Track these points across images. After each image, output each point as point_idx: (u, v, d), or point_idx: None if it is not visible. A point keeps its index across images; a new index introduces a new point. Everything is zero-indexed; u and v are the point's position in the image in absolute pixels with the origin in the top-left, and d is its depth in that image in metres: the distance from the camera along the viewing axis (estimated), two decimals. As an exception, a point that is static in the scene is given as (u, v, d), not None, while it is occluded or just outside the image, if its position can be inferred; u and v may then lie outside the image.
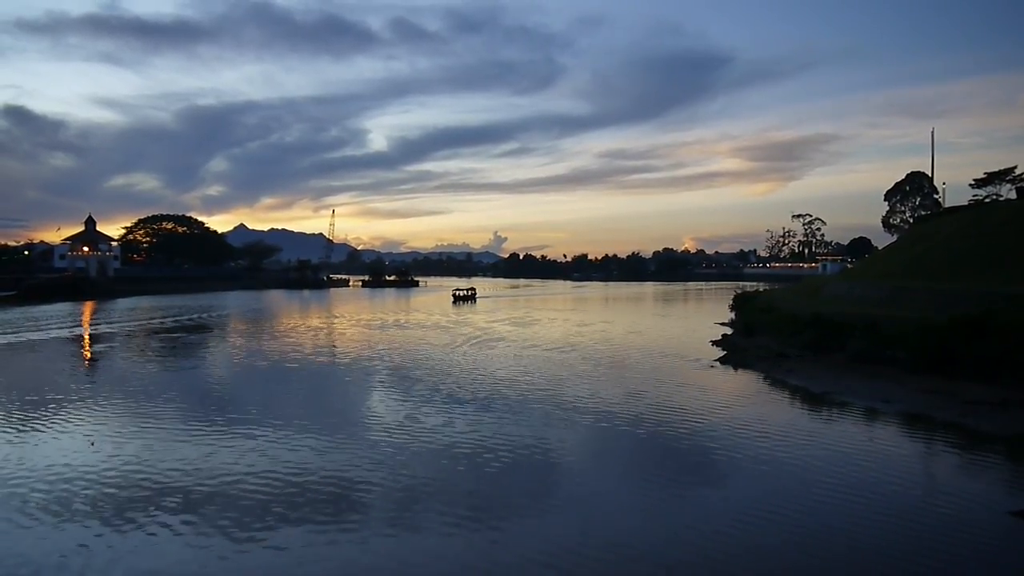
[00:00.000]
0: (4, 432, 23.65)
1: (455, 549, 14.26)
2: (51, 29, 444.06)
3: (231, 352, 47.48)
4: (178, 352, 47.57)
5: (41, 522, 15.48)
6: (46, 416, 26.09)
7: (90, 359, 44.05)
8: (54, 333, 57.94)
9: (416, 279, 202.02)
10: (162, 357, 44.96)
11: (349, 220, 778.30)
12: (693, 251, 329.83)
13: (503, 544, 14.48)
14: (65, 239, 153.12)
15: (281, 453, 21.00)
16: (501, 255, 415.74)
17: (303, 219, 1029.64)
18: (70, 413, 26.67)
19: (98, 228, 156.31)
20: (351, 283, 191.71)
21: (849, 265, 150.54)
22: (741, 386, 33.18)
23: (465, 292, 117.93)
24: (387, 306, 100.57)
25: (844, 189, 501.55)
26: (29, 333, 57.37)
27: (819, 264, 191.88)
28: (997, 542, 14.66)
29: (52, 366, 40.53)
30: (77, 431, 23.86)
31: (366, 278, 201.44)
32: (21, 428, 24.22)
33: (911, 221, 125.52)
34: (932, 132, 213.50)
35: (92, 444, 22.07)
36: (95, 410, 27.30)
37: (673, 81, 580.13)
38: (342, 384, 34.84)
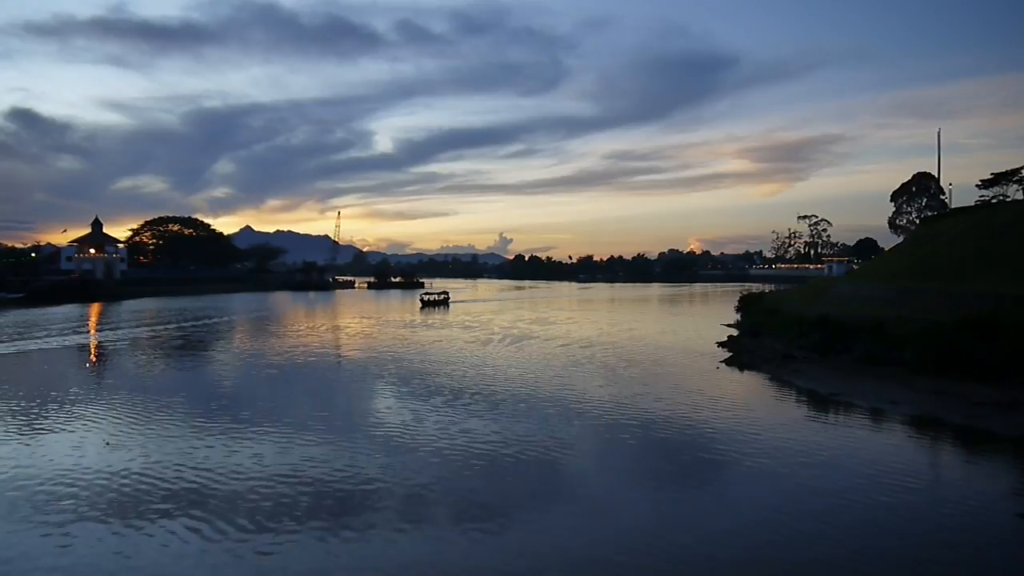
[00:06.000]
0: (23, 433, 23.93)
1: (467, 548, 14.41)
2: (58, 32, 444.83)
3: (242, 355, 47.70)
4: (189, 355, 47.83)
5: (59, 521, 15.69)
6: (63, 417, 26.39)
7: (102, 362, 44.34)
8: (64, 336, 58.29)
9: (421, 280, 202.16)
10: (173, 360, 45.21)
11: (355, 222, 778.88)
12: (699, 252, 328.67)
13: (513, 545, 14.62)
14: (72, 241, 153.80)
15: (296, 454, 21.18)
16: (507, 256, 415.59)
17: (309, 221, 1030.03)
18: (85, 414, 26.93)
19: (105, 230, 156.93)
20: (357, 285, 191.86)
21: (855, 266, 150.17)
22: (748, 388, 33.24)
23: (436, 296, 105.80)
24: (398, 307, 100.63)
25: (850, 190, 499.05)
26: (39, 336, 57.72)
27: (825, 265, 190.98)
28: (1006, 544, 14.72)
29: (66, 368, 40.83)
30: (93, 432, 24.12)
31: (372, 280, 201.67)
32: (40, 429, 24.49)
33: (917, 222, 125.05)
34: (938, 133, 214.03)
35: (107, 444, 22.34)
36: (109, 412, 27.55)
37: (679, 82, 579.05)
38: (361, 386, 34.98)
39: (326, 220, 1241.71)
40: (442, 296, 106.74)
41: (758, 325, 52.15)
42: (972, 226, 60.16)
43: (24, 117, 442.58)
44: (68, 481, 18.50)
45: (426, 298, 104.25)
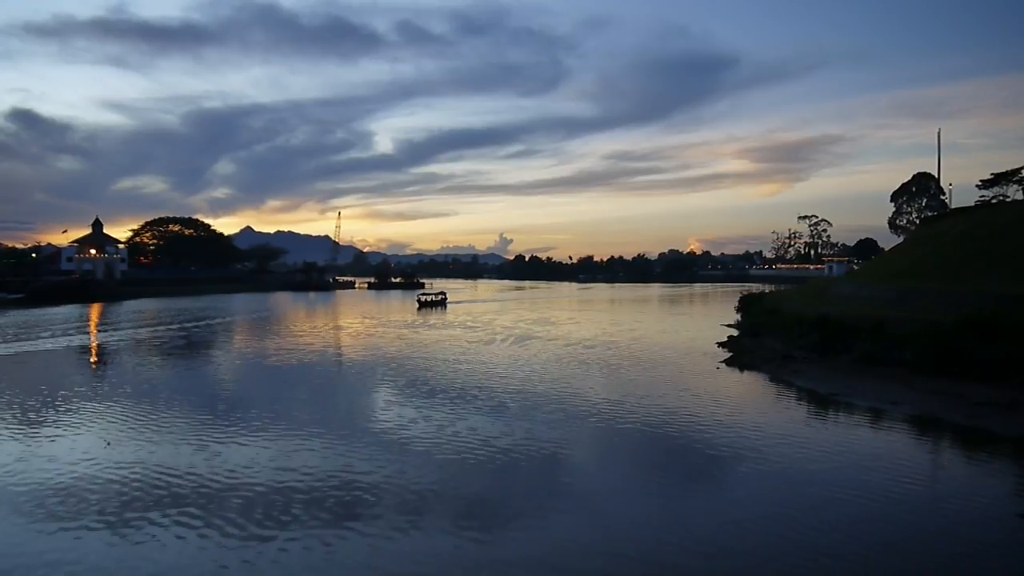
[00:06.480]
0: (25, 434, 23.97)
1: (469, 549, 14.45)
2: (58, 33, 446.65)
3: (243, 355, 47.74)
4: (191, 355, 47.88)
5: (61, 521, 15.75)
6: (64, 418, 26.44)
7: (103, 362, 44.36)
8: (65, 336, 58.31)
9: (422, 281, 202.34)
10: (174, 360, 45.24)
11: (355, 222, 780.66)
12: (699, 252, 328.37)
13: (516, 545, 14.66)
14: (72, 241, 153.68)
15: (298, 455, 21.22)
16: (507, 257, 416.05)
17: (309, 221, 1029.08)
18: (87, 415, 26.99)
19: (105, 230, 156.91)
20: (357, 285, 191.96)
21: (855, 266, 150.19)
22: (749, 388, 33.26)
23: (434, 297, 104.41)
24: (399, 308, 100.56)
25: (850, 190, 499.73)
26: (40, 337, 57.74)
27: (825, 265, 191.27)
28: (1006, 544, 14.75)
29: (67, 369, 40.86)
30: (93, 432, 24.16)
31: (372, 280, 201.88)
32: (41, 429, 24.55)
33: (918, 222, 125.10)
34: (938, 133, 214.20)
35: (108, 444, 22.40)
36: (111, 412, 27.58)
37: (679, 83, 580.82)
38: (363, 386, 35.00)
39: (326, 220, 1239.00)
40: (439, 297, 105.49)
41: (758, 325, 52.17)
42: (972, 226, 60.21)
43: (24, 118, 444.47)
44: (70, 481, 18.54)
45: (423, 299, 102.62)
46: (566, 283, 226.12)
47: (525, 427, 24.73)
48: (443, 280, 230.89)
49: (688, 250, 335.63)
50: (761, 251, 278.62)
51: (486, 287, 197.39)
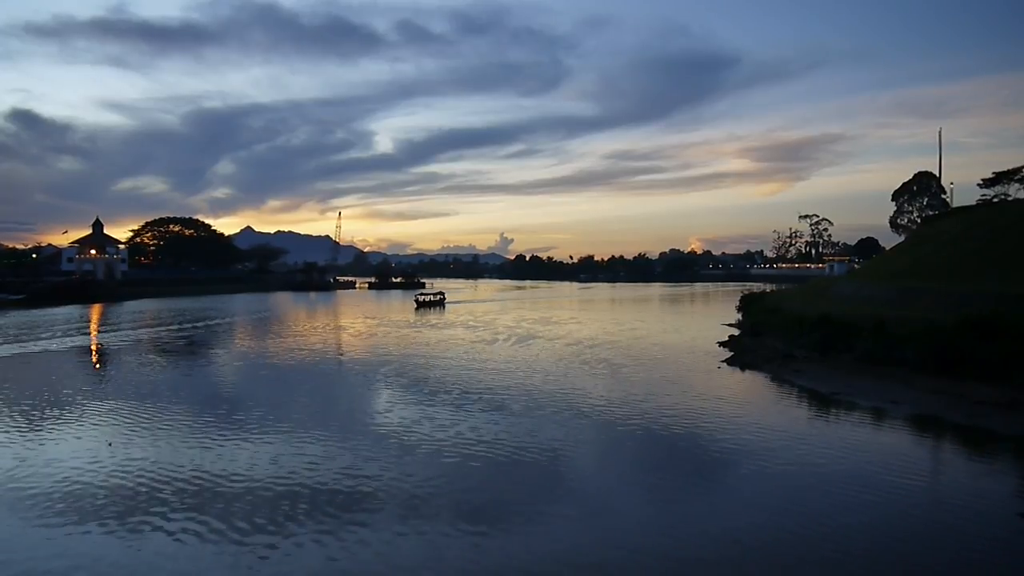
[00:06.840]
0: (26, 434, 23.99)
1: (469, 549, 14.46)
2: (58, 33, 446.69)
3: (244, 356, 47.73)
4: (191, 356, 47.89)
5: (63, 523, 15.77)
6: (65, 418, 26.47)
7: (104, 363, 44.38)
8: (66, 337, 58.33)
9: (422, 281, 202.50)
10: (175, 361, 45.24)
11: (355, 222, 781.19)
12: (700, 252, 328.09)
13: (515, 545, 14.67)
14: (73, 242, 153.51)
15: (299, 456, 21.25)
16: (507, 257, 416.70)
17: (309, 221, 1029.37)
18: (87, 416, 27.03)
19: (105, 231, 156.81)
20: (358, 285, 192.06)
21: (856, 266, 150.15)
22: (750, 387, 33.27)
23: (432, 297, 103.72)
24: (400, 307, 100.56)
25: (851, 189, 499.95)
26: (40, 338, 57.77)
27: (826, 265, 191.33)
28: (1007, 542, 14.75)
29: (68, 370, 40.85)
30: (94, 433, 24.18)
31: (372, 280, 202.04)
32: (42, 430, 24.56)
33: (919, 221, 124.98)
34: (939, 132, 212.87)
35: (110, 445, 22.41)
36: (112, 413, 27.61)
37: (680, 82, 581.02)
38: (365, 387, 35.01)
39: (327, 220, 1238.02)
40: (438, 297, 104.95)
41: (759, 324, 52.16)
42: (973, 225, 60.14)
43: (25, 118, 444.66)
44: (70, 482, 18.56)
45: (421, 299, 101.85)
46: (567, 283, 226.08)
47: (529, 427, 24.74)
48: (444, 280, 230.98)
49: (689, 249, 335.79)
50: (762, 250, 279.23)
51: (487, 287, 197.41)
